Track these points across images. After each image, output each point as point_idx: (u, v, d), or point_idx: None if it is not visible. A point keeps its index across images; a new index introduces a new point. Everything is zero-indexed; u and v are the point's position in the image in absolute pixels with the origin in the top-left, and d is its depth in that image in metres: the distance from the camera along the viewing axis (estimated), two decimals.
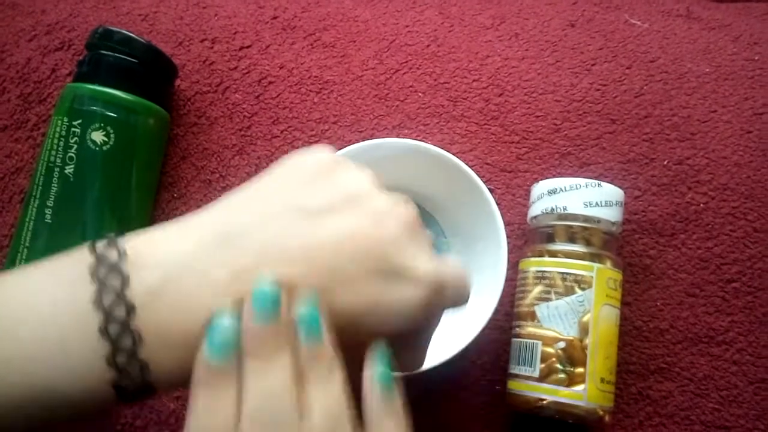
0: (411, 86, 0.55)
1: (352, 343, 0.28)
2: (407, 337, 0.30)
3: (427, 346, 0.33)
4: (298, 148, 0.53)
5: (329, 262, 0.28)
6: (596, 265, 0.43)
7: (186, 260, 0.27)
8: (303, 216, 0.29)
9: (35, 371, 0.26)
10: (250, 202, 0.30)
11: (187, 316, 0.27)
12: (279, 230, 0.28)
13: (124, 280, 0.26)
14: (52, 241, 0.46)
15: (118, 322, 0.26)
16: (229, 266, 0.27)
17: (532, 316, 0.44)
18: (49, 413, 0.27)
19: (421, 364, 0.33)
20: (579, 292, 0.43)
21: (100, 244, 0.27)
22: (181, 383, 0.28)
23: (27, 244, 0.47)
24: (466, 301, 0.32)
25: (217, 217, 0.29)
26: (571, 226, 0.45)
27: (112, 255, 0.27)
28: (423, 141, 0.48)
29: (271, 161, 0.53)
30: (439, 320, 0.32)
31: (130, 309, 0.26)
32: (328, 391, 0.26)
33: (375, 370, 0.28)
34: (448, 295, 0.31)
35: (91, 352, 0.26)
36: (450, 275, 0.31)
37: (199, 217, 0.29)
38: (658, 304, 0.49)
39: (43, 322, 0.26)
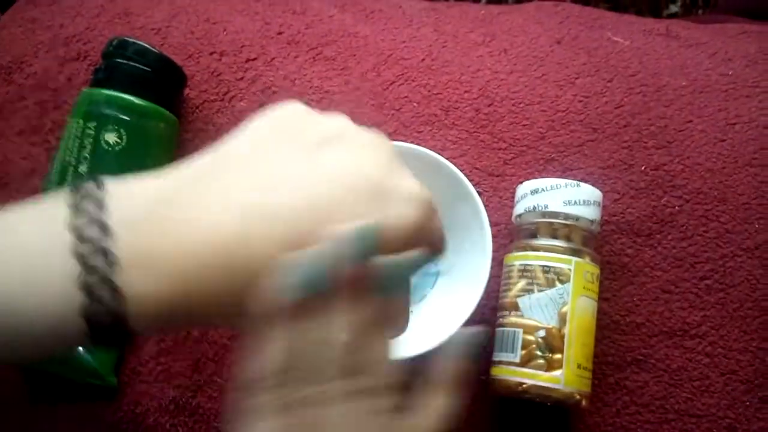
0: (406, 96, 0.58)
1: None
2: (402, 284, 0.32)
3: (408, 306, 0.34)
4: None
5: (330, 194, 0.29)
6: (575, 258, 0.46)
7: (176, 189, 0.28)
8: (298, 151, 0.30)
9: None
10: (240, 144, 0.30)
11: (178, 240, 0.26)
12: (277, 163, 0.29)
13: (100, 204, 0.26)
14: None
15: (90, 242, 0.24)
16: (225, 195, 0.28)
17: (515, 306, 0.47)
18: (12, 337, 0.25)
19: (407, 323, 0.34)
20: (559, 285, 0.46)
21: (81, 182, 0.27)
22: (158, 325, 0.28)
23: None
24: (444, 245, 0.34)
25: (204, 159, 0.30)
26: (552, 223, 0.48)
27: (91, 187, 0.27)
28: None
29: None
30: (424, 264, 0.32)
31: (104, 229, 0.25)
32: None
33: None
34: (436, 223, 0.32)
35: (60, 272, 0.24)
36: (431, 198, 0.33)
37: (184, 162, 0.30)
38: (635, 299, 0.51)
39: (10, 233, 0.25)
